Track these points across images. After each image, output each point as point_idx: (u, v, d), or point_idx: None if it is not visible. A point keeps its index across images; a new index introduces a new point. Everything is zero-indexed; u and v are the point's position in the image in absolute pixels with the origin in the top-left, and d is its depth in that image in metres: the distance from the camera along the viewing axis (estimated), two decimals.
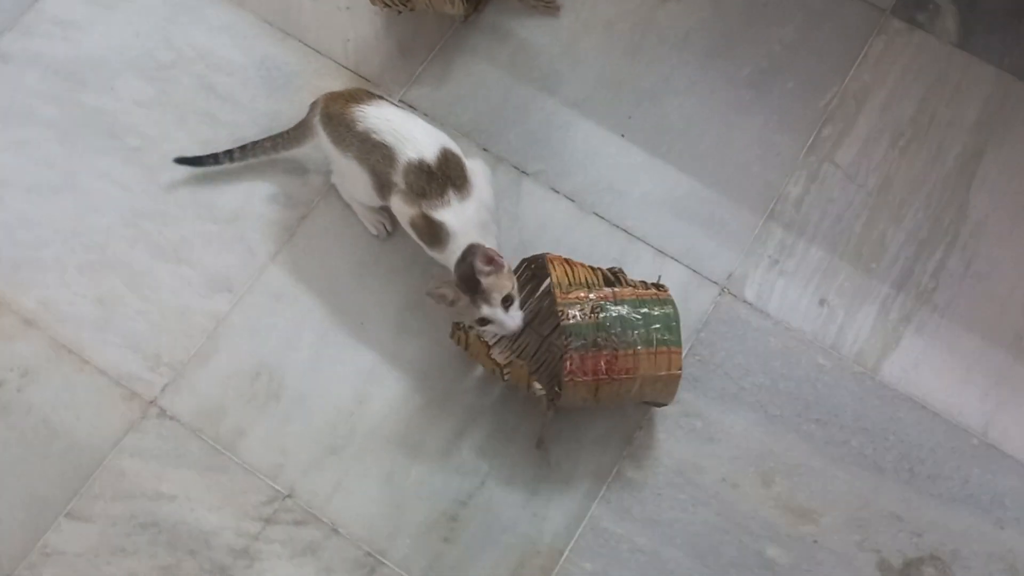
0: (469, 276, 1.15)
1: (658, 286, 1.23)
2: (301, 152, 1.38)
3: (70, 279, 1.32)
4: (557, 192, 1.42)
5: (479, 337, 1.23)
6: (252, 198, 1.38)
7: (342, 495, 1.23)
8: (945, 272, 1.39)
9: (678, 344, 1.17)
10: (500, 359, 1.23)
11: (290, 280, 1.34)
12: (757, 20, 1.54)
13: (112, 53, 1.47)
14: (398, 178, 1.22)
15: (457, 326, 1.25)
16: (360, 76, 1.47)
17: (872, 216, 1.42)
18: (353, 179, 1.28)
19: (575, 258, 1.24)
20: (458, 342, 1.26)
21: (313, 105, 1.31)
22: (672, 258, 1.39)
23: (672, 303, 1.20)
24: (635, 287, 1.21)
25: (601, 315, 1.15)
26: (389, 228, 1.35)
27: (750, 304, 1.36)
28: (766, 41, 1.52)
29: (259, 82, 1.46)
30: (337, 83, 1.46)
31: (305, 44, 1.49)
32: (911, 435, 1.29)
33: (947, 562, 1.23)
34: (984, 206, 1.43)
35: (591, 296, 1.17)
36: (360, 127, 1.23)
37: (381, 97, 1.28)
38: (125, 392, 1.26)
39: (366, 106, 1.24)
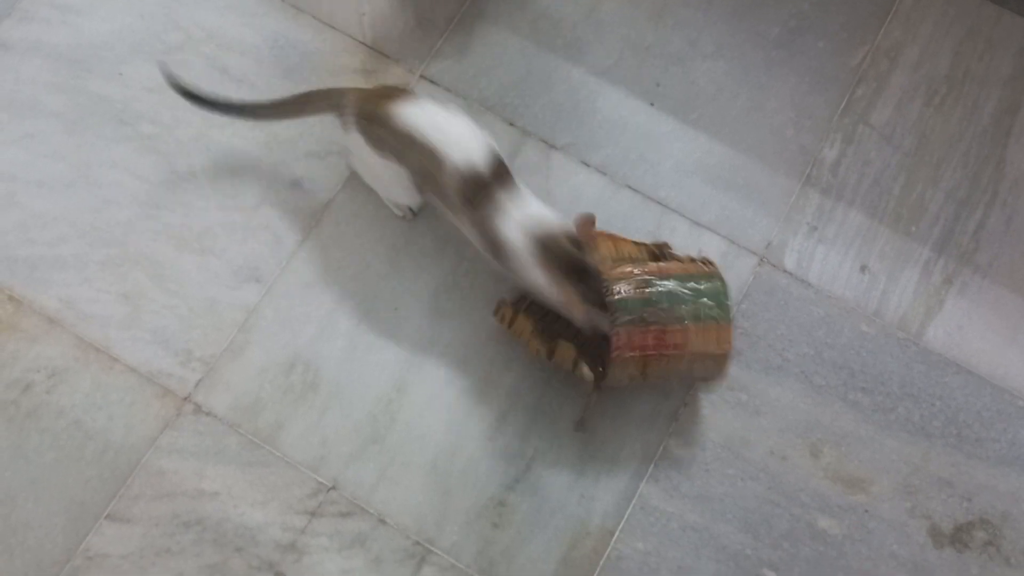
0: (596, 297, 1.09)
1: (705, 261, 1.19)
2: (333, 131, 1.33)
3: (92, 276, 1.28)
4: (588, 165, 1.38)
5: (527, 315, 1.19)
6: (275, 184, 1.34)
7: (387, 485, 1.20)
8: (986, 231, 1.36)
9: (728, 320, 1.14)
10: (544, 339, 1.20)
11: (319, 267, 1.30)
12: None
13: (116, 37, 1.41)
14: (447, 181, 1.12)
15: (503, 302, 1.21)
16: (378, 51, 1.42)
17: (910, 177, 1.39)
18: (389, 178, 1.21)
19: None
20: (501, 320, 1.22)
21: (337, 97, 1.21)
22: (708, 228, 1.35)
23: (720, 278, 1.17)
24: (681, 261, 1.17)
25: (648, 290, 1.12)
26: (415, 210, 1.31)
27: (790, 273, 1.33)
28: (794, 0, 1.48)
29: (273, 62, 1.40)
30: (354, 60, 1.41)
31: (319, 20, 1.43)
32: (957, 399, 1.28)
33: (997, 525, 1.23)
34: (1022, 162, 1.40)
35: (637, 271, 1.14)
36: (401, 127, 1.13)
37: (414, 94, 1.19)
38: (158, 389, 1.23)
39: (405, 104, 1.14)
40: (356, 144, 1.21)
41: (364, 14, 1.43)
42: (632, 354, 1.11)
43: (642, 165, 1.38)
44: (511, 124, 1.39)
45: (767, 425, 1.25)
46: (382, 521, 1.19)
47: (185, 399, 1.23)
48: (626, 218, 1.35)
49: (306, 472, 1.20)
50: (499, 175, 1.13)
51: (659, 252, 1.17)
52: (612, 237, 1.17)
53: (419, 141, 1.13)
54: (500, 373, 1.26)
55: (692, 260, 1.18)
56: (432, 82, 1.40)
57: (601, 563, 1.18)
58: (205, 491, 1.19)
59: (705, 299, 1.13)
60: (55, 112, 1.36)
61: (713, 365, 1.16)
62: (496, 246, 1.13)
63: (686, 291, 1.13)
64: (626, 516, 1.20)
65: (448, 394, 1.25)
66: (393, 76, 1.40)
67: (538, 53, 1.43)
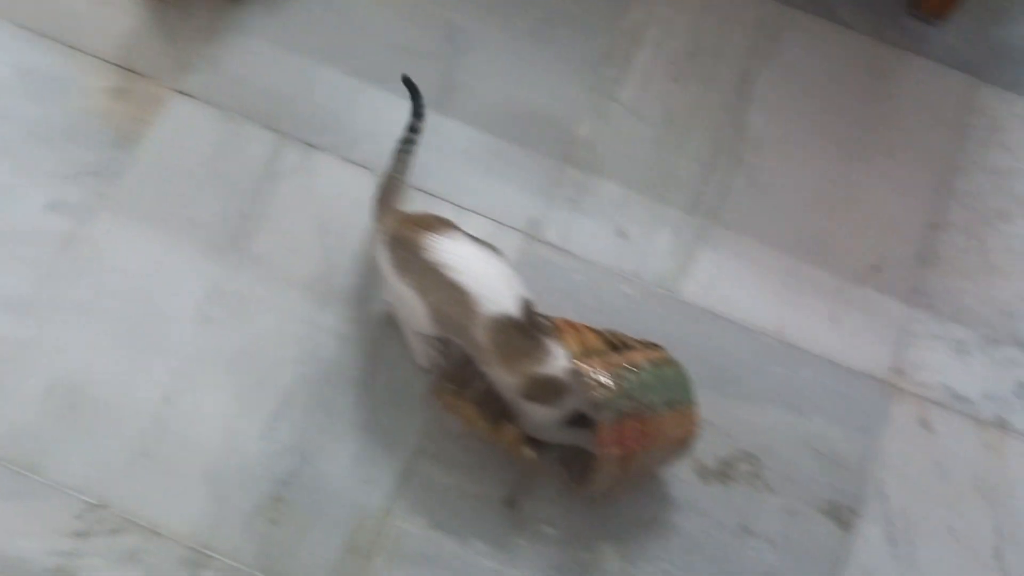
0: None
1: (656, 346, 1.20)
2: (86, 153, 1.32)
3: None
4: (351, 161, 1.41)
5: (469, 401, 1.18)
6: (27, 210, 1.32)
7: (159, 497, 1.19)
8: (731, 191, 1.47)
9: (694, 402, 1.16)
10: (489, 422, 1.17)
11: (76, 289, 1.28)
12: None
13: None
14: (480, 335, 1.10)
15: (444, 388, 1.20)
16: (130, 70, 1.42)
17: (659, 147, 1.49)
18: (409, 307, 1.16)
19: None
20: (444, 406, 1.22)
21: (384, 211, 1.21)
22: (474, 212, 1.41)
23: (676, 362, 1.18)
24: (635, 348, 1.16)
25: (623, 383, 1.10)
26: (439, 360, 1.26)
27: (553, 245, 1.41)
28: None
29: (22, 91, 1.39)
30: (104, 80, 1.41)
31: (67, 45, 1.42)
32: (714, 344, 1.37)
33: (758, 456, 1.32)
34: (761, 125, 1.52)
35: (609, 362, 1.11)
36: (429, 257, 1.11)
37: (456, 228, 1.17)
38: None
39: (440, 235, 1.13)
40: (381, 260, 1.18)
41: (113, 35, 1.43)
42: (617, 451, 1.09)
43: None
44: (272, 129, 1.41)
45: None
46: (156, 533, 1.18)
47: None
48: None
49: (73, 494, 1.18)
50: (534, 322, 1.11)
51: (615, 340, 1.17)
52: (573, 326, 1.15)
53: (448, 279, 1.10)
54: (274, 374, 1.27)
55: (645, 345, 1.18)
56: (188, 95, 1.41)
57: (386, 543, 1.20)
58: None
59: (672, 384, 1.14)
60: None
61: (680, 447, 1.17)
62: (546, 390, 1.10)
63: (654, 379, 1.13)
64: (406, 494, 1.23)
65: (219, 400, 1.25)
66: (147, 92, 1.41)
67: (292, 58, 1.46)
